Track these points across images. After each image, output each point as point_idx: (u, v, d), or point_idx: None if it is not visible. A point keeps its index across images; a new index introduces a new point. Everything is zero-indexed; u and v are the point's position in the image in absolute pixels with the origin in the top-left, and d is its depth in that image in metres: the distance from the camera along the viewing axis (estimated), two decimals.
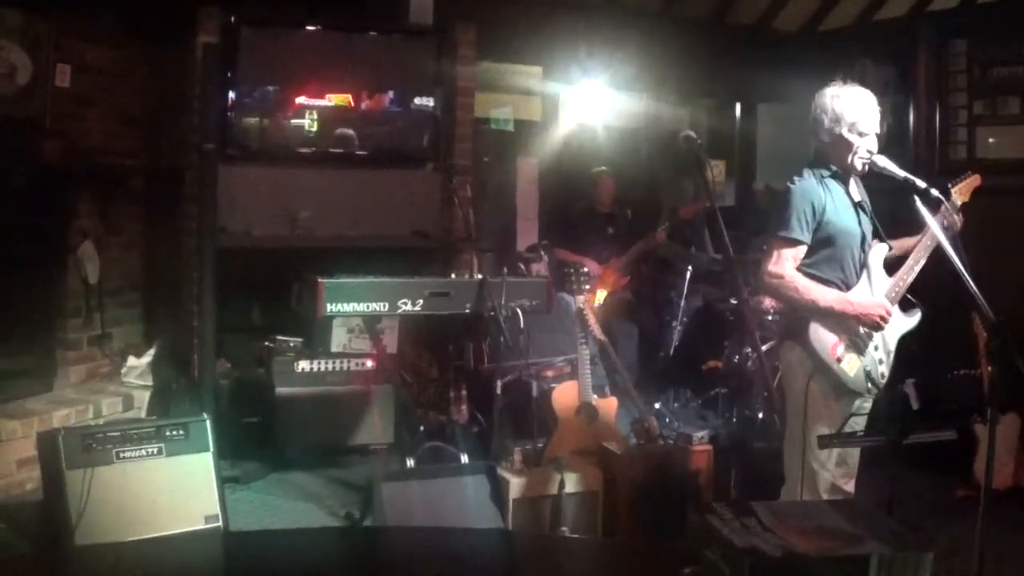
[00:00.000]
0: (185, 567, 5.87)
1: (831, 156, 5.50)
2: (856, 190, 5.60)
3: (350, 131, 8.86)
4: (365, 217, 8.84)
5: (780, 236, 5.38)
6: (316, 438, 8.13)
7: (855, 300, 5.37)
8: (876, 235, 5.61)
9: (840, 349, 5.37)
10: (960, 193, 5.65)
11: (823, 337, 5.36)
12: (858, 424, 5.43)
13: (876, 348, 5.45)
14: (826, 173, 5.48)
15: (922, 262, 5.50)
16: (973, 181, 5.77)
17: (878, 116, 5.50)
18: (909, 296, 5.57)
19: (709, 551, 3.02)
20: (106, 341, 8.74)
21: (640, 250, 10.81)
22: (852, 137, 5.41)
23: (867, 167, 5.43)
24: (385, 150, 9.08)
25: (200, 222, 7.97)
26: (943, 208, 5.35)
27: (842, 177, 5.51)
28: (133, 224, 8.94)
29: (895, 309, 5.47)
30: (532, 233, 11.95)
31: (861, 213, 5.55)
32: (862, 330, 5.39)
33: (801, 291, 5.33)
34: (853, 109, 5.41)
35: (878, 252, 5.56)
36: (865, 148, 5.42)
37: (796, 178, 5.47)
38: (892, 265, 5.61)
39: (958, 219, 5.48)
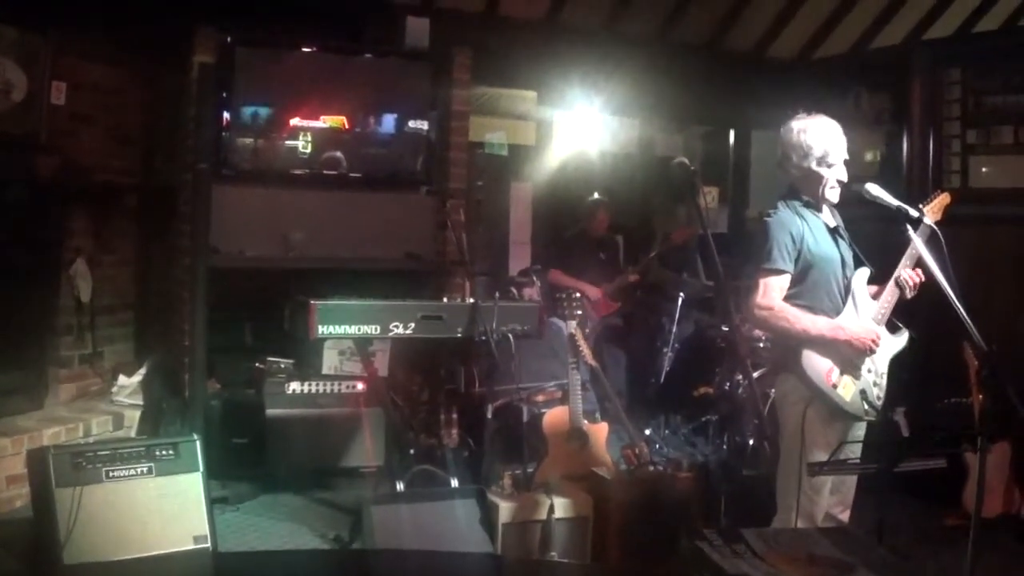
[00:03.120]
0: None
1: (802, 187, 5.56)
2: (831, 217, 5.64)
3: (339, 153, 8.85)
4: (358, 239, 8.83)
5: (764, 268, 5.42)
6: (306, 460, 8.12)
7: (846, 326, 5.40)
8: (856, 260, 5.64)
9: (835, 375, 5.38)
10: (932, 212, 5.65)
11: (816, 364, 5.38)
12: (854, 452, 5.45)
13: (869, 371, 5.47)
14: (799, 203, 5.54)
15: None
16: (943, 199, 5.78)
17: (845, 144, 5.55)
18: (895, 321, 5.59)
19: None
20: (97, 359, 8.73)
21: (621, 284, 10.82)
22: (822, 170, 5.47)
23: (858, 194, 5.46)
24: (379, 173, 9.06)
25: (193, 241, 7.97)
26: (921, 229, 5.37)
27: (815, 206, 5.56)
28: (126, 242, 8.94)
29: (883, 331, 5.49)
30: (525, 257, 11.98)
31: (839, 239, 5.59)
32: (854, 355, 5.41)
33: (792, 321, 5.35)
34: (820, 142, 5.47)
35: (860, 276, 5.60)
36: (835, 178, 5.48)
37: (772, 211, 5.54)
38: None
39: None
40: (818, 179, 5.49)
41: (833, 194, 5.53)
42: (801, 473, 5.33)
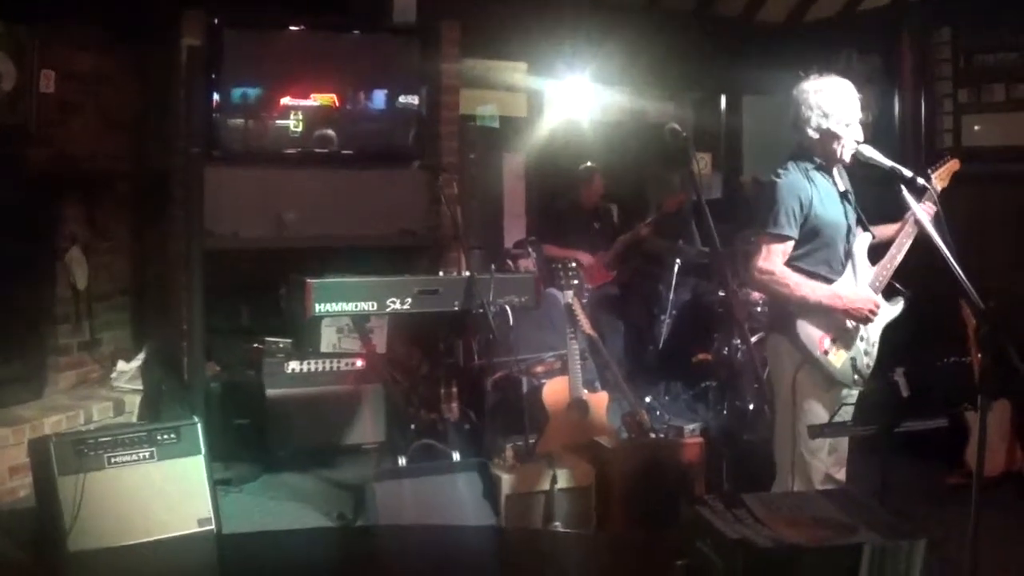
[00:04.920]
0: (179, 570, 5.89)
1: (816, 149, 5.49)
2: (841, 180, 5.60)
3: (331, 131, 8.84)
4: (352, 216, 8.83)
5: (769, 232, 5.39)
6: (307, 439, 8.12)
7: (844, 294, 5.38)
8: (859, 224, 5.62)
9: (827, 342, 5.38)
10: (940, 178, 5.68)
11: (810, 330, 5.37)
12: (845, 413, 5.46)
13: (861, 339, 5.47)
14: (810, 166, 5.47)
15: (905, 249, 5.52)
16: (952, 166, 5.80)
17: (859, 104, 5.51)
18: (894, 283, 5.59)
19: (701, 543, 3.02)
20: (96, 346, 8.72)
21: (625, 244, 10.81)
22: (839, 129, 5.40)
23: (852, 157, 5.45)
24: (371, 149, 9.07)
25: (187, 225, 7.96)
26: (927, 194, 5.39)
27: (826, 168, 5.51)
28: (121, 228, 8.93)
29: (880, 299, 5.48)
30: (520, 229, 11.96)
31: (847, 204, 5.55)
32: (849, 323, 5.41)
33: (792, 287, 5.34)
34: (837, 101, 5.41)
35: (862, 241, 5.58)
36: (852, 138, 5.43)
37: (781, 171, 5.47)
38: (874, 252, 5.62)
39: (935, 205, 5.50)
40: (836, 139, 5.42)
41: (848, 154, 5.50)
42: (795, 435, 5.35)
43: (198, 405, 7.48)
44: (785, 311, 5.44)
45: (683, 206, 10.86)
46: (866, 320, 5.39)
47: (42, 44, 7.89)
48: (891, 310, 5.61)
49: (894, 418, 4.75)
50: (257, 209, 8.52)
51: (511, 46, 10.80)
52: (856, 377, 5.44)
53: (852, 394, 5.55)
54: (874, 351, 5.54)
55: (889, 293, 5.59)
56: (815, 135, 5.46)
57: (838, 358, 5.39)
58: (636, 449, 6.88)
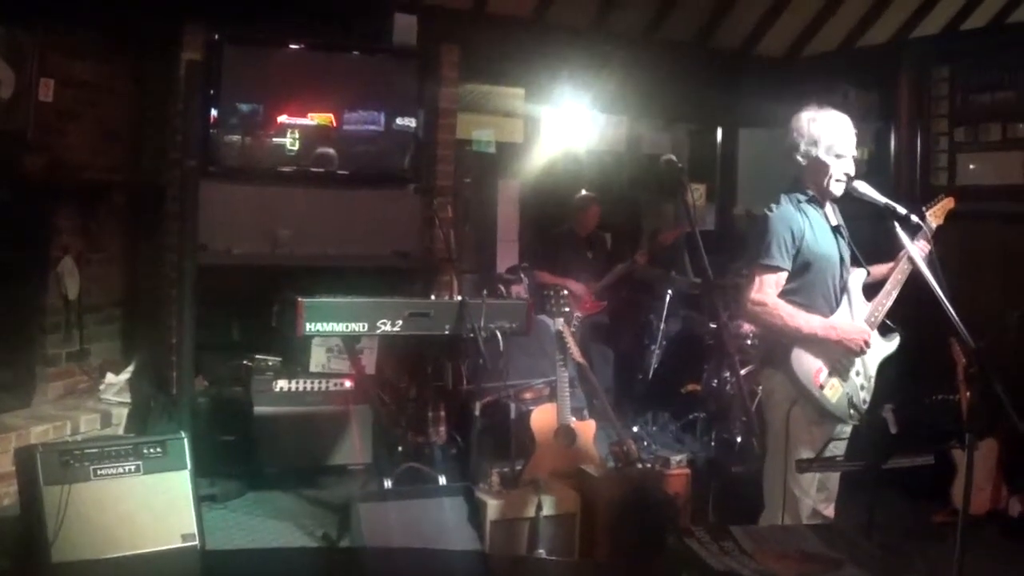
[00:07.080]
0: None
1: (808, 180, 5.50)
2: (833, 215, 5.59)
3: (331, 150, 8.83)
4: (346, 237, 8.81)
5: (761, 264, 5.38)
6: (294, 457, 8.11)
7: (839, 326, 5.37)
8: (854, 260, 5.61)
9: (823, 376, 5.36)
10: (935, 216, 5.69)
11: (806, 364, 5.36)
12: (838, 449, 5.44)
13: (857, 374, 5.45)
14: (803, 198, 5.48)
15: (900, 286, 5.52)
16: (947, 204, 5.82)
17: (854, 139, 5.51)
18: (887, 321, 5.58)
19: (687, 574, 3.02)
20: (85, 357, 8.71)
21: (619, 274, 10.80)
22: (829, 159, 5.41)
23: (844, 191, 5.45)
24: (366, 170, 9.05)
25: (181, 239, 7.96)
26: (921, 232, 5.39)
27: (819, 202, 5.52)
28: (114, 240, 8.92)
29: (875, 334, 5.48)
30: (512, 255, 11.96)
31: (839, 238, 5.54)
32: (844, 356, 5.40)
33: (785, 318, 5.32)
34: (829, 131, 5.42)
35: (857, 277, 5.57)
36: (842, 170, 5.43)
37: (773, 205, 5.47)
38: (869, 290, 5.62)
39: (929, 243, 5.51)
40: (824, 169, 5.43)
41: (838, 187, 5.45)
42: (787, 471, 5.34)
43: (185, 420, 7.47)
44: (780, 344, 5.43)
45: (679, 239, 10.85)
46: (859, 352, 5.39)
47: (42, 52, 7.89)
48: (887, 345, 5.60)
49: (882, 454, 4.75)
50: (251, 225, 8.50)
51: (509, 71, 10.81)
52: (852, 411, 5.42)
53: (845, 430, 5.52)
54: (871, 385, 5.53)
55: (883, 330, 5.59)
56: (803, 162, 5.47)
57: (833, 392, 5.38)
58: (622, 478, 6.87)
